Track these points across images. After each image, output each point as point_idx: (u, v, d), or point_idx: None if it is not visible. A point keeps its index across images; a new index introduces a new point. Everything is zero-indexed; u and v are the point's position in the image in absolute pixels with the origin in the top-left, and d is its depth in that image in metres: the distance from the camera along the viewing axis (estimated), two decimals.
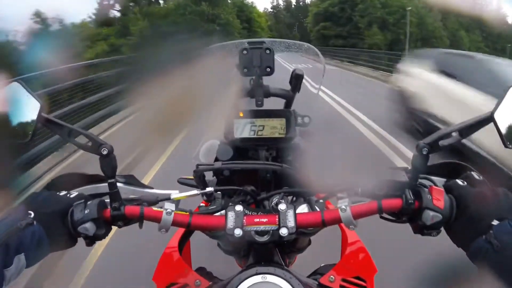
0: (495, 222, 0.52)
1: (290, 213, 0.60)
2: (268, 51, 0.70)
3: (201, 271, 0.73)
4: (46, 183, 0.67)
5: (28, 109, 0.58)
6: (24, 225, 0.53)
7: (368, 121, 6.00)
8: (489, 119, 0.55)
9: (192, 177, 0.90)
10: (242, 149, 0.73)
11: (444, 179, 0.63)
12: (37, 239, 0.54)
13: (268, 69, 0.70)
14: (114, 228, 0.62)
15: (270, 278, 0.54)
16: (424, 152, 0.57)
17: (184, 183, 0.87)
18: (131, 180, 0.68)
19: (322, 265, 0.76)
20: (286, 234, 0.58)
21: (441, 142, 0.58)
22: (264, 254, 0.64)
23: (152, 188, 0.67)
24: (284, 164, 0.70)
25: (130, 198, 0.65)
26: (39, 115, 0.58)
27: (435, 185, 0.60)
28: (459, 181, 0.60)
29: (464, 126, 0.57)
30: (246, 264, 0.73)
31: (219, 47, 0.85)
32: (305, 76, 0.76)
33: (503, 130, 0.54)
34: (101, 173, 0.64)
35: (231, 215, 0.60)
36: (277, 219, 0.60)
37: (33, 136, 0.59)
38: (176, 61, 0.71)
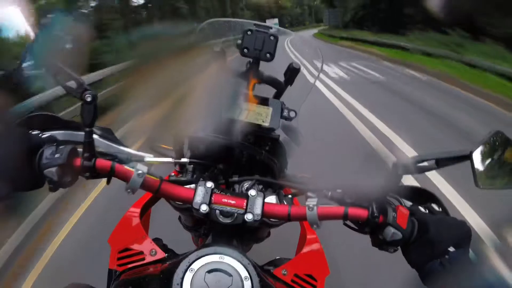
0: (451, 249, 0.55)
1: (259, 201, 0.61)
2: (272, 38, 0.69)
3: (157, 241, 0.72)
4: (20, 119, 0.64)
5: (22, 37, 0.58)
6: None
7: None
8: (467, 157, 0.57)
9: (166, 146, 0.89)
10: (222, 128, 0.73)
11: (411, 203, 0.65)
12: (3, 177, 0.52)
13: (268, 55, 0.70)
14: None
15: (227, 259, 0.54)
16: (399, 172, 0.59)
17: (157, 151, 0.86)
18: (107, 134, 0.66)
19: (277, 257, 0.78)
20: (251, 220, 0.59)
21: (417, 166, 0.60)
22: (224, 236, 0.65)
23: (127, 146, 0.66)
24: (260, 150, 0.70)
25: (102, 151, 0.63)
26: (30, 45, 0.56)
27: (402, 205, 0.62)
28: (422, 208, 0.63)
29: (442, 157, 0.59)
30: (203, 242, 0.73)
31: (221, 23, 0.83)
32: None
33: (478, 170, 0.57)
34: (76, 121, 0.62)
35: (200, 189, 0.61)
36: (245, 204, 0.60)
37: (21, 64, 0.57)
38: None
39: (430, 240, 0.57)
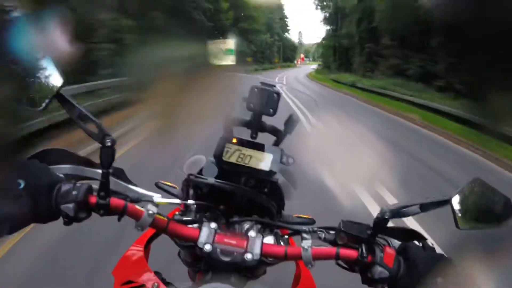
0: (439, 279, 0.60)
1: (258, 241, 0.66)
2: (275, 95, 0.75)
3: (157, 275, 0.76)
4: (36, 152, 0.68)
5: (50, 82, 0.62)
6: (13, 194, 0.55)
7: None
8: (448, 202, 0.64)
9: (170, 183, 0.94)
10: (226, 171, 0.78)
11: (399, 242, 0.71)
12: (23, 209, 0.56)
13: (271, 110, 0.76)
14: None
15: None
16: (386, 216, 0.65)
17: (161, 188, 0.91)
18: (119, 174, 0.71)
19: None
20: (250, 260, 0.64)
21: (402, 211, 0.66)
22: (223, 272, 0.69)
23: (136, 186, 0.71)
24: (261, 195, 0.76)
25: (114, 190, 0.68)
26: (57, 91, 0.62)
27: (390, 245, 0.68)
28: (409, 245, 0.67)
29: (426, 202, 0.65)
30: (201, 277, 0.77)
31: (234, 75, 0.91)
32: None
33: (458, 214, 0.63)
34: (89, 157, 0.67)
35: (205, 230, 0.66)
36: (245, 244, 0.65)
37: (45, 107, 0.62)
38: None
39: (418, 273, 0.62)
